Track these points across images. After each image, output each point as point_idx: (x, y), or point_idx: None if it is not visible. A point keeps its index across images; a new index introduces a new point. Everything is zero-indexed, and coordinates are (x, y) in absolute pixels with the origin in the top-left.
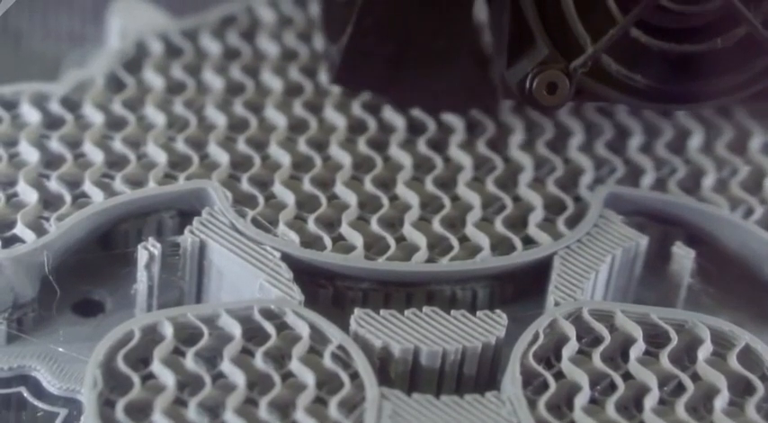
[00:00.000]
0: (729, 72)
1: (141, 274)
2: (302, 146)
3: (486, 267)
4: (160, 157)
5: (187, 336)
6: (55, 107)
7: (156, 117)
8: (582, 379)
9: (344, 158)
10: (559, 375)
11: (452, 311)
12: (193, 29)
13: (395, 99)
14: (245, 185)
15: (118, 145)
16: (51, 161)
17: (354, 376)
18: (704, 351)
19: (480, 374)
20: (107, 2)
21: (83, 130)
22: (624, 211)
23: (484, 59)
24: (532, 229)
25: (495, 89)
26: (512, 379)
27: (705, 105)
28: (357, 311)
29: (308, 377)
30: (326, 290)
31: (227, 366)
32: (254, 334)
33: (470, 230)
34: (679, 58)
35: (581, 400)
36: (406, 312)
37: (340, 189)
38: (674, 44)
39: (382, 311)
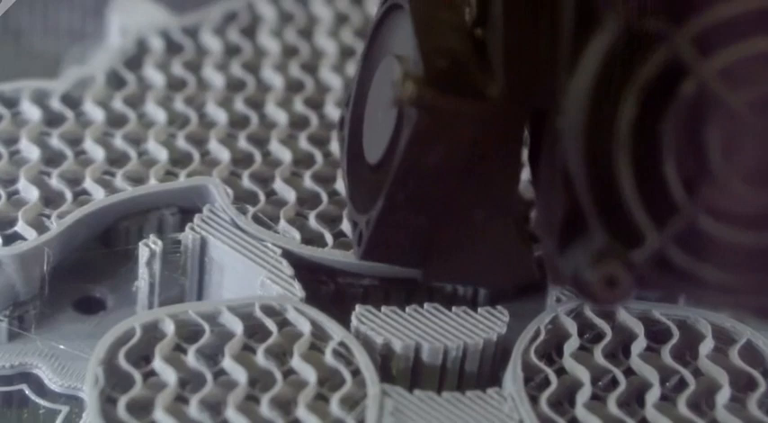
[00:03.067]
0: None
1: (142, 272)
2: (303, 143)
3: None
4: (161, 154)
5: (188, 333)
6: (55, 104)
7: (157, 114)
8: (583, 375)
9: None
10: (561, 371)
11: (454, 308)
12: (194, 25)
13: (428, 275)
14: (245, 182)
15: (119, 142)
16: (52, 158)
17: (356, 373)
18: (706, 347)
19: (482, 371)
20: None
21: (83, 127)
22: None
23: (525, 233)
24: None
25: (537, 265)
26: (513, 375)
27: None
28: (358, 308)
29: (309, 374)
30: (328, 286)
31: (228, 363)
32: (255, 331)
33: None
34: (755, 250)
35: (583, 396)
36: (407, 309)
37: (341, 186)
38: (748, 233)
39: (383, 308)
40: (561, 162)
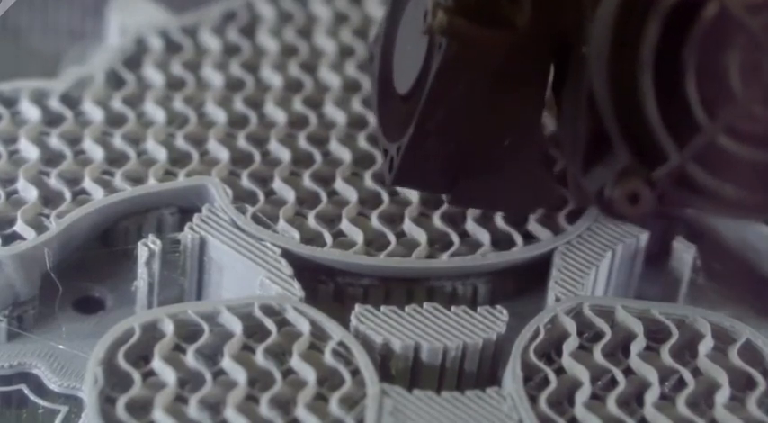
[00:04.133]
0: None
1: (142, 271)
2: (302, 142)
3: (487, 263)
4: (160, 153)
5: (188, 333)
6: (54, 104)
7: (156, 114)
8: (583, 374)
9: (344, 154)
10: (560, 371)
11: (453, 307)
12: (193, 25)
13: (456, 200)
14: (245, 182)
15: (118, 142)
16: (51, 158)
17: (355, 372)
18: (705, 346)
19: (481, 370)
20: None
21: (83, 126)
22: None
23: (549, 158)
24: (533, 225)
25: (561, 190)
26: (513, 375)
27: None
28: (358, 308)
29: (308, 374)
30: (327, 286)
31: (227, 363)
32: (254, 331)
33: (471, 226)
34: None
35: (582, 395)
36: (406, 308)
37: (340, 185)
38: (765, 153)
39: (383, 307)
40: (587, 87)
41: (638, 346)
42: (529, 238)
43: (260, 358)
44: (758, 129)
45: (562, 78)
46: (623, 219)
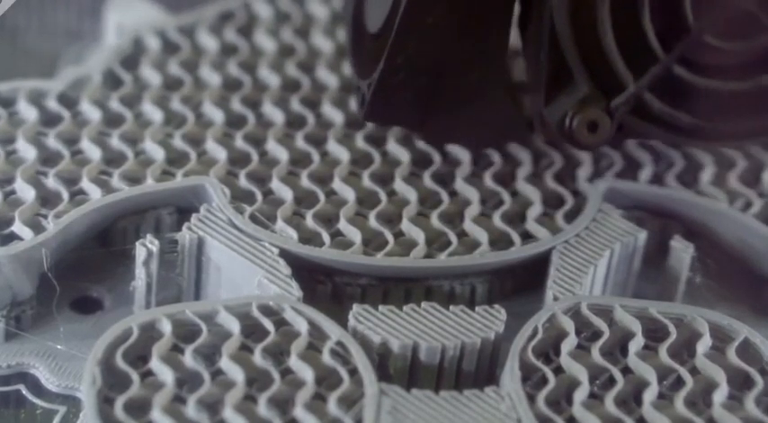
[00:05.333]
0: None
1: (139, 272)
2: (300, 142)
3: (485, 262)
4: (158, 153)
5: (186, 333)
6: (52, 104)
7: (154, 113)
8: (581, 374)
9: (342, 154)
10: (558, 370)
11: (451, 307)
12: (190, 25)
13: (427, 135)
14: (242, 182)
15: (115, 142)
16: (49, 158)
17: (353, 372)
18: (703, 345)
19: (479, 370)
20: None
21: (80, 127)
22: (623, 206)
23: (517, 92)
24: (531, 224)
25: (529, 123)
26: (511, 374)
27: (750, 143)
28: (356, 307)
29: (306, 373)
30: (325, 286)
31: (225, 363)
32: (252, 330)
33: (469, 226)
34: (724, 96)
35: (580, 394)
36: (404, 308)
37: (338, 185)
38: (718, 81)
39: (381, 307)
40: (549, 21)
41: (636, 345)
42: (527, 237)
43: (258, 358)
44: (711, 59)
45: (526, 13)
46: (583, 147)
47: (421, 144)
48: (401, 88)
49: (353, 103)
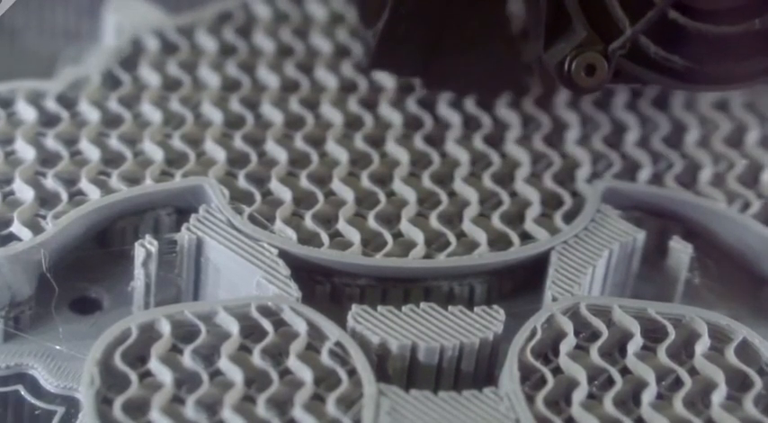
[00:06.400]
0: (766, 53)
1: (138, 272)
2: (299, 142)
3: (484, 263)
4: (156, 154)
5: (184, 333)
6: (51, 105)
7: (153, 114)
8: (580, 374)
9: (341, 155)
10: (557, 371)
11: (450, 307)
12: (189, 25)
13: (429, 83)
14: (241, 182)
15: (114, 142)
16: (47, 159)
17: (352, 373)
18: (702, 345)
19: (478, 370)
20: None
21: (79, 127)
22: (621, 206)
23: (516, 43)
24: (529, 225)
25: (527, 72)
26: (510, 374)
27: (742, 87)
28: (354, 308)
29: (305, 374)
30: (324, 286)
31: (224, 364)
32: (251, 331)
33: (468, 226)
34: (717, 40)
35: (579, 395)
36: (403, 308)
37: (337, 185)
38: (711, 25)
39: (380, 308)
40: None
41: (634, 345)
42: (526, 238)
43: (257, 359)
44: (705, 3)
45: None
46: (581, 91)
47: (420, 144)
48: (405, 38)
49: (352, 104)
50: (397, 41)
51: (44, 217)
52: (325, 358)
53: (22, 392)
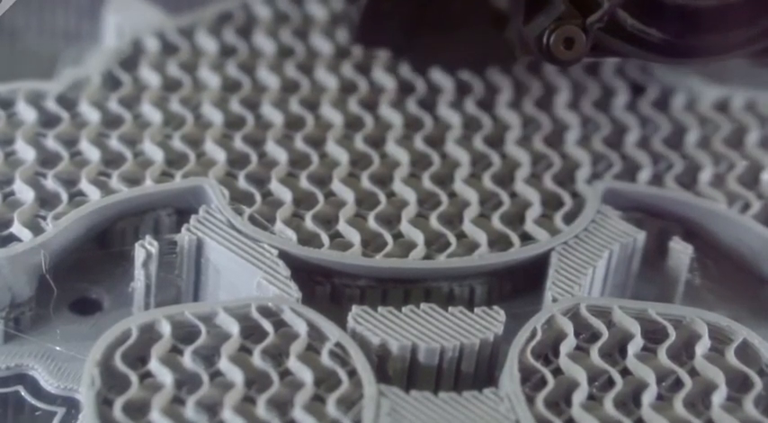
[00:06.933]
0: (743, 26)
1: (138, 273)
2: (299, 143)
3: (484, 264)
4: (157, 154)
5: (185, 334)
6: (51, 105)
7: (153, 115)
8: (580, 375)
9: (341, 155)
10: (557, 372)
11: (450, 308)
12: (189, 26)
13: (413, 59)
14: (242, 183)
15: (114, 143)
16: (48, 159)
17: (352, 374)
18: (702, 346)
19: (478, 371)
20: None
21: (79, 128)
22: (621, 207)
23: (499, 18)
24: (530, 226)
25: (511, 48)
26: (510, 375)
27: (719, 59)
28: (355, 309)
29: (305, 375)
30: (324, 287)
31: (224, 364)
32: (251, 332)
33: (468, 227)
34: (694, 13)
35: (579, 396)
36: (403, 309)
37: (337, 186)
38: None
39: (380, 308)
40: None
41: (635, 346)
42: (526, 238)
43: (257, 359)
44: None
45: None
46: (560, 63)
47: (420, 145)
48: (388, 13)
49: (352, 104)
50: (381, 16)
51: (44, 218)
52: (325, 359)
53: (23, 393)
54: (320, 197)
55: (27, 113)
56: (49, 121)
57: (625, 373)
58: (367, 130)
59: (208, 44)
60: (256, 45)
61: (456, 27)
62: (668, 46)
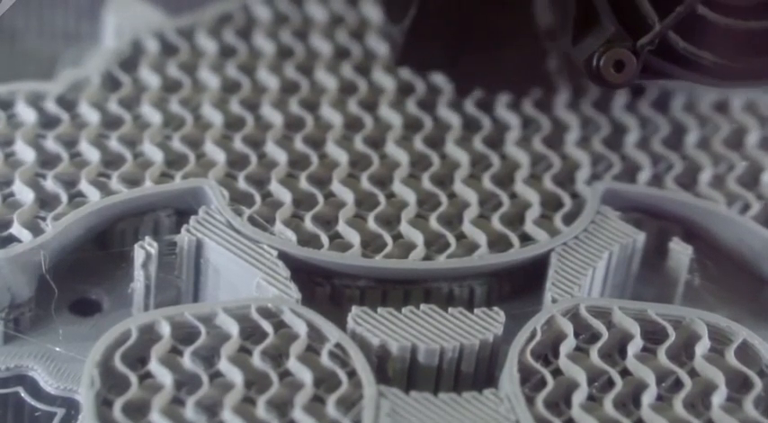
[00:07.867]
0: None
1: (138, 274)
2: (299, 144)
3: (484, 264)
4: (156, 155)
5: (184, 335)
6: (51, 106)
7: (153, 116)
8: (580, 376)
9: (341, 156)
10: (557, 372)
11: (450, 309)
12: (189, 27)
13: (457, 79)
14: (241, 184)
15: (114, 144)
16: (47, 160)
17: (352, 374)
18: (702, 347)
19: (478, 372)
20: (103, 0)
21: (79, 129)
22: (621, 208)
23: (544, 40)
24: (529, 226)
25: (555, 68)
26: (509, 376)
27: None
28: (354, 309)
29: (305, 375)
30: (324, 288)
31: (224, 365)
32: (251, 333)
33: (467, 228)
34: (745, 35)
35: (579, 397)
36: (403, 310)
37: (337, 187)
38: (740, 20)
39: (380, 309)
40: None
41: (634, 347)
42: (526, 239)
43: (257, 360)
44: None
45: None
46: (610, 86)
47: (420, 146)
48: (432, 34)
49: (352, 105)
50: (425, 38)
51: (44, 218)
52: (325, 360)
53: (22, 394)
54: (320, 198)
55: (27, 114)
56: (48, 121)
57: (625, 373)
58: (366, 130)
59: (207, 45)
60: (256, 46)
61: (499, 47)
62: (720, 69)
